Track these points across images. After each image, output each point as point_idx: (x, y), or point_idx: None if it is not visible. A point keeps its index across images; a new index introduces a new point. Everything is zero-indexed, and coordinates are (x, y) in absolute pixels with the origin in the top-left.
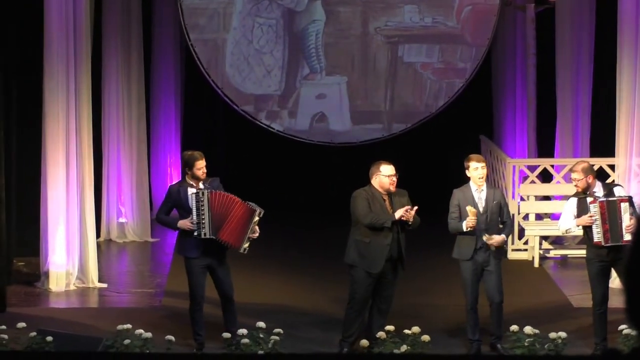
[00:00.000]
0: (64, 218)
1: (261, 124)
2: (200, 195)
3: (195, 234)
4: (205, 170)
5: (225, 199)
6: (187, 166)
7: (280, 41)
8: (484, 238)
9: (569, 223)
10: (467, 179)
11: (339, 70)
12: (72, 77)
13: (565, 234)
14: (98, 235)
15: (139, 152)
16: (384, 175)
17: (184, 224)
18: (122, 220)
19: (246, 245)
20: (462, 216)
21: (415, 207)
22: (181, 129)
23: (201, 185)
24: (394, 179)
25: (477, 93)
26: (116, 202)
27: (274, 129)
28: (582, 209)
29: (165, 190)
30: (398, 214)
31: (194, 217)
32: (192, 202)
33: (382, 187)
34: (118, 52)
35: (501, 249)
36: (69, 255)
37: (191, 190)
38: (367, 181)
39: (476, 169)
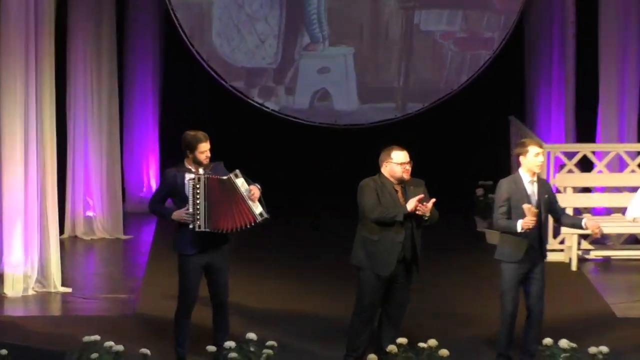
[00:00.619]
0: (22, 212)
1: (253, 103)
2: (197, 182)
3: (190, 226)
4: (209, 155)
5: (221, 183)
6: (188, 148)
7: (276, 5)
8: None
9: (638, 210)
10: (497, 169)
11: (344, 40)
12: (32, 46)
13: (634, 222)
14: (61, 231)
15: (109, 134)
16: (396, 163)
17: (178, 214)
18: (89, 214)
19: (258, 211)
20: (510, 212)
21: (433, 200)
22: (159, 108)
23: (201, 171)
24: (408, 167)
25: (506, 67)
26: (83, 193)
27: (268, 108)
28: None
29: (139, 179)
30: (411, 204)
31: (190, 207)
32: (189, 190)
33: (394, 176)
34: (86, 17)
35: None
36: (27, 255)
37: (189, 176)
38: (376, 169)
39: (537, 155)
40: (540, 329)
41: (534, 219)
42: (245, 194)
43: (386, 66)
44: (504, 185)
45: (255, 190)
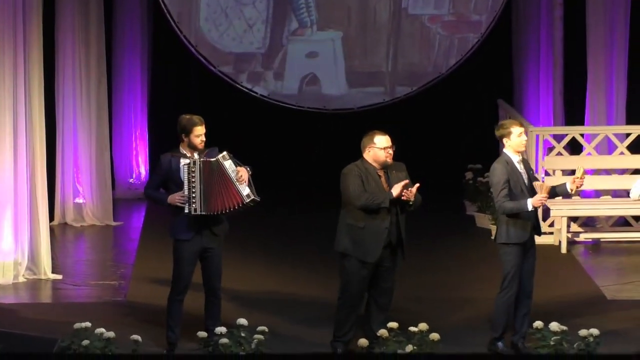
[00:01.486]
0: (11, 199)
1: (242, 88)
2: (192, 166)
3: (186, 211)
4: (204, 139)
5: (211, 165)
6: (183, 132)
7: None
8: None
9: None
10: (486, 153)
11: (332, 24)
12: (20, 33)
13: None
14: (51, 218)
15: (98, 121)
16: (379, 148)
17: (173, 198)
18: (79, 200)
19: (245, 192)
20: (511, 195)
21: (417, 185)
22: (148, 93)
23: (196, 156)
24: (390, 151)
25: (494, 50)
26: (72, 180)
27: (257, 93)
28: None
29: (129, 166)
30: (396, 190)
31: (185, 191)
32: (184, 174)
33: (377, 161)
34: (73, 4)
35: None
36: (17, 242)
37: (184, 161)
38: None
39: (520, 135)
40: (529, 308)
41: (547, 195)
42: (232, 175)
43: (374, 50)
44: (500, 168)
45: (244, 171)
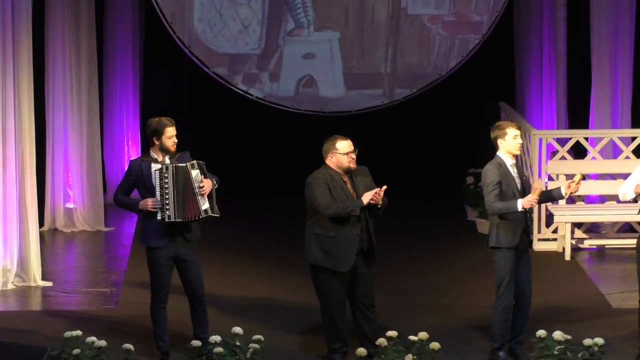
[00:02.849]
0: (0, 204)
1: (237, 90)
2: (164, 171)
3: (159, 217)
4: (176, 141)
5: (182, 170)
6: (154, 135)
7: None
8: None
9: (629, 187)
10: (488, 157)
11: (330, 24)
12: (9, 33)
13: (623, 200)
14: (41, 224)
15: (89, 123)
16: (342, 153)
17: (144, 204)
18: (69, 205)
19: (203, 207)
20: (502, 195)
21: (384, 187)
22: (140, 95)
23: (167, 160)
24: (353, 155)
25: (496, 52)
26: (63, 184)
27: (252, 95)
28: None
29: (120, 170)
30: (366, 198)
31: (157, 197)
32: (155, 180)
33: (341, 167)
34: (64, 3)
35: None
36: (5, 248)
37: (155, 166)
38: (363, 157)
39: (516, 137)
40: (527, 317)
41: (537, 197)
42: (195, 185)
43: (373, 51)
44: (492, 169)
45: (208, 184)
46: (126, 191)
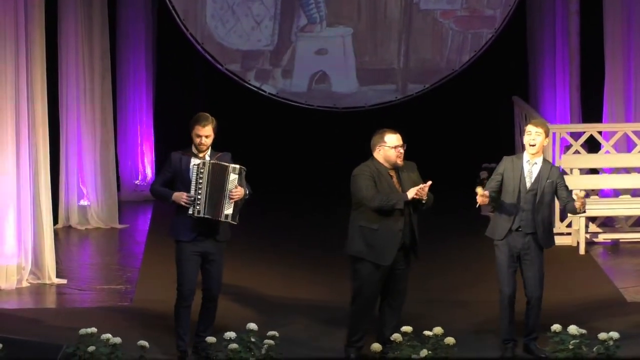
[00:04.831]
0: (14, 202)
1: (250, 86)
2: (201, 166)
3: (190, 212)
4: (204, 142)
5: (220, 169)
6: (190, 128)
7: None
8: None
9: None
10: (501, 151)
11: (342, 20)
12: (23, 32)
13: None
14: (55, 221)
15: (103, 120)
16: (390, 147)
17: (178, 196)
18: (84, 203)
19: (227, 211)
20: (503, 190)
21: (429, 182)
22: (153, 92)
23: (207, 157)
24: (401, 150)
25: (509, 46)
26: (77, 182)
27: (265, 91)
28: None
29: (134, 167)
30: (411, 192)
31: (192, 191)
32: (192, 175)
33: (388, 161)
34: (77, 2)
35: (549, 235)
36: (20, 246)
37: (194, 161)
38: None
39: (529, 133)
40: (538, 316)
41: (483, 199)
42: (228, 187)
43: (385, 47)
44: (504, 161)
45: (239, 192)
46: (164, 182)
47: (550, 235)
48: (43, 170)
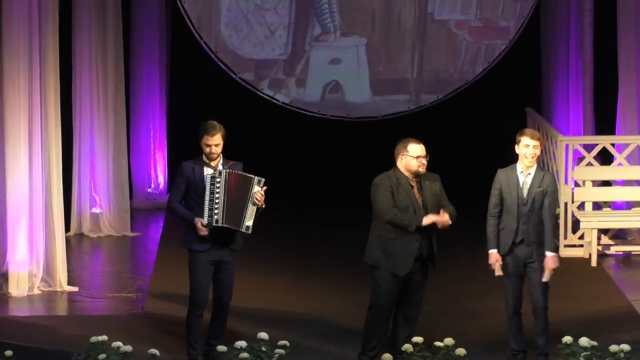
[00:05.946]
0: (26, 209)
1: (263, 95)
2: (217, 176)
3: (206, 221)
4: (214, 151)
5: (243, 179)
6: (199, 137)
7: None
8: (545, 279)
9: None
10: (515, 159)
11: (356, 30)
12: (36, 39)
13: None
14: (67, 229)
15: (116, 128)
16: (412, 157)
17: (197, 224)
18: (96, 210)
19: (248, 222)
20: (503, 203)
21: (446, 218)
22: (167, 100)
23: (220, 167)
24: (424, 160)
25: (522, 57)
26: (89, 190)
27: (278, 100)
28: None
29: (147, 174)
30: (428, 219)
31: (206, 202)
32: (207, 184)
33: (410, 170)
34: (91, 7)
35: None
36: (32, 253)
37: (208, 170)
38: (390, 164)
39: (527, 147)
40: (545, 323)
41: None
42: (250, 200)
43: (399, 57)
44: (499, 176)
45: (261, 197)
46: (181, 196)
47: (546, 240)
48: (55, 177)
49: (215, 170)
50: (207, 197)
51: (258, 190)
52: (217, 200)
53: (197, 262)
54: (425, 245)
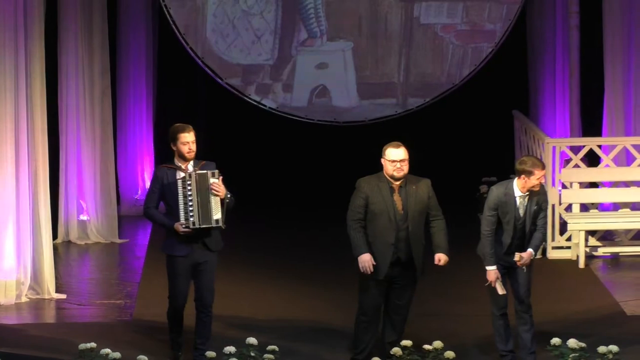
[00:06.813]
0: (13, 216)
1: (250, 100)
2: (187, 179)
3: (183, 226)
4: (192, 148)
5: (202, 177)
6: (171, 141)
7: (272, 0)
8: (516, 259)
9: None
10: (501, 165)
11: (343, 34)
12: (22, 44)
13: None
14: (55, 236)
15: (103, 135)
16: (389, 161)
17: (177, 227)
18: (83, 217)
19: (217, 216)
20: (500, 222)
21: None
22: (154, 107)
23: (190, 168)
24: (400, 164)
25: (509, 60)
26: (76, 196)
27: (265, 105)
28: None
29: (134, 181)
30: (363, 260)
31: (181, 206)
32: (179, 189)
33: (387, 174)
34: (77, 14)
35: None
36: (19, 261)
37: (180, 175)
38: (378, 168)
39: (540, 179)
40: (530, 321)
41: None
42: (211, 193)
43: (386, 61)
44: (494, 194)
45: (219, 187)
46: (156, 202)
47: (533, 244)
48: (42, 185)
49: (185, 173)
50: (181, 201)
51: (214, 182)
52: (190, 203)
53: (176, 268)
54: (403, 249)
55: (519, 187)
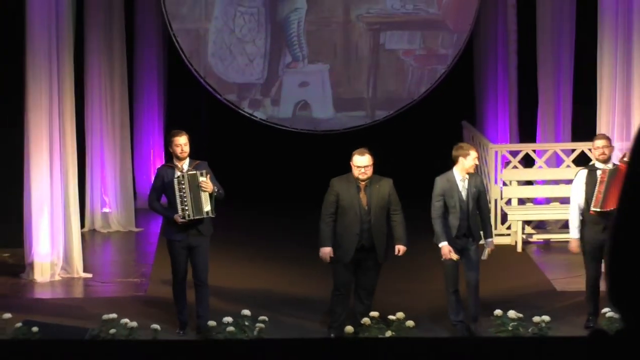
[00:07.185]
0: (48, 208)
1: (244, 113)
2: (181, 179)
3: (181, 218)
4: (184, 149)
5: (194, 176)
6: (168, 145)
7: (262, 30)
8: (487, 253)
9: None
10: (451, 165)
11: (321, 58)
12: (55, 66)
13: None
14: (82, 225)
15: (122, 140)
16: (355, 166)
17: (177, 219)
18: (106, 210)
19: (207, 208)
20: (445, 205)
21: (402, 249)
22: (164, 117)
23: (185, 168)
24: (364, 169)
25: (459, 79)
26: (100, 192)
27: (257, 117)
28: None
29: (148, 179)
30: (323, 254)
31: (177, 200)
32: (175, 186)
33: (355, 177)
34: (100, 41)
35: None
36: (53, 246)
37: (176, 174)
38: (350, 169)
39: (475, 159)
40: (477, 295)
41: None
42: (200, 189)
43: (357, 80)
44: (439, 184)
45: (207, 184)
46: (158, 196)
47: (478, 233)
48: (72, 181)
49: (181, 172)
50: (177, 196)
51: (202, 180)
52: (184, 198)
53: (175, 250)
54: (366, 238)
55: (459, 172)
